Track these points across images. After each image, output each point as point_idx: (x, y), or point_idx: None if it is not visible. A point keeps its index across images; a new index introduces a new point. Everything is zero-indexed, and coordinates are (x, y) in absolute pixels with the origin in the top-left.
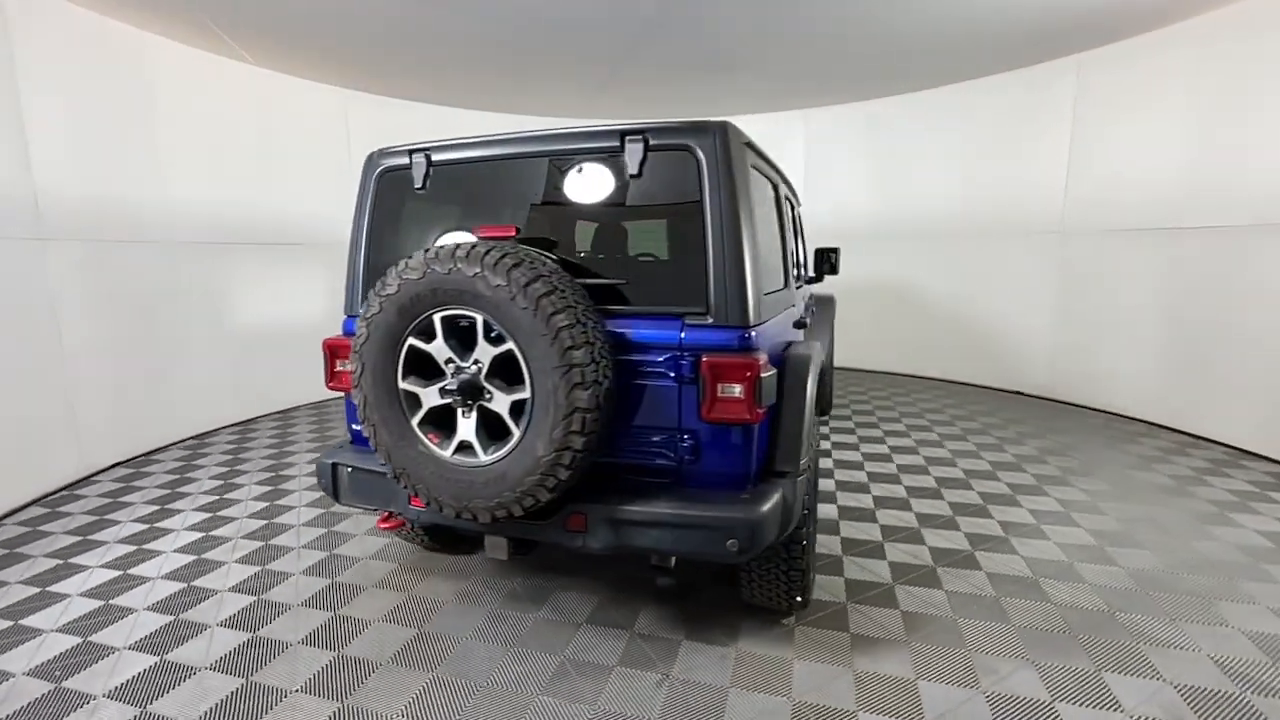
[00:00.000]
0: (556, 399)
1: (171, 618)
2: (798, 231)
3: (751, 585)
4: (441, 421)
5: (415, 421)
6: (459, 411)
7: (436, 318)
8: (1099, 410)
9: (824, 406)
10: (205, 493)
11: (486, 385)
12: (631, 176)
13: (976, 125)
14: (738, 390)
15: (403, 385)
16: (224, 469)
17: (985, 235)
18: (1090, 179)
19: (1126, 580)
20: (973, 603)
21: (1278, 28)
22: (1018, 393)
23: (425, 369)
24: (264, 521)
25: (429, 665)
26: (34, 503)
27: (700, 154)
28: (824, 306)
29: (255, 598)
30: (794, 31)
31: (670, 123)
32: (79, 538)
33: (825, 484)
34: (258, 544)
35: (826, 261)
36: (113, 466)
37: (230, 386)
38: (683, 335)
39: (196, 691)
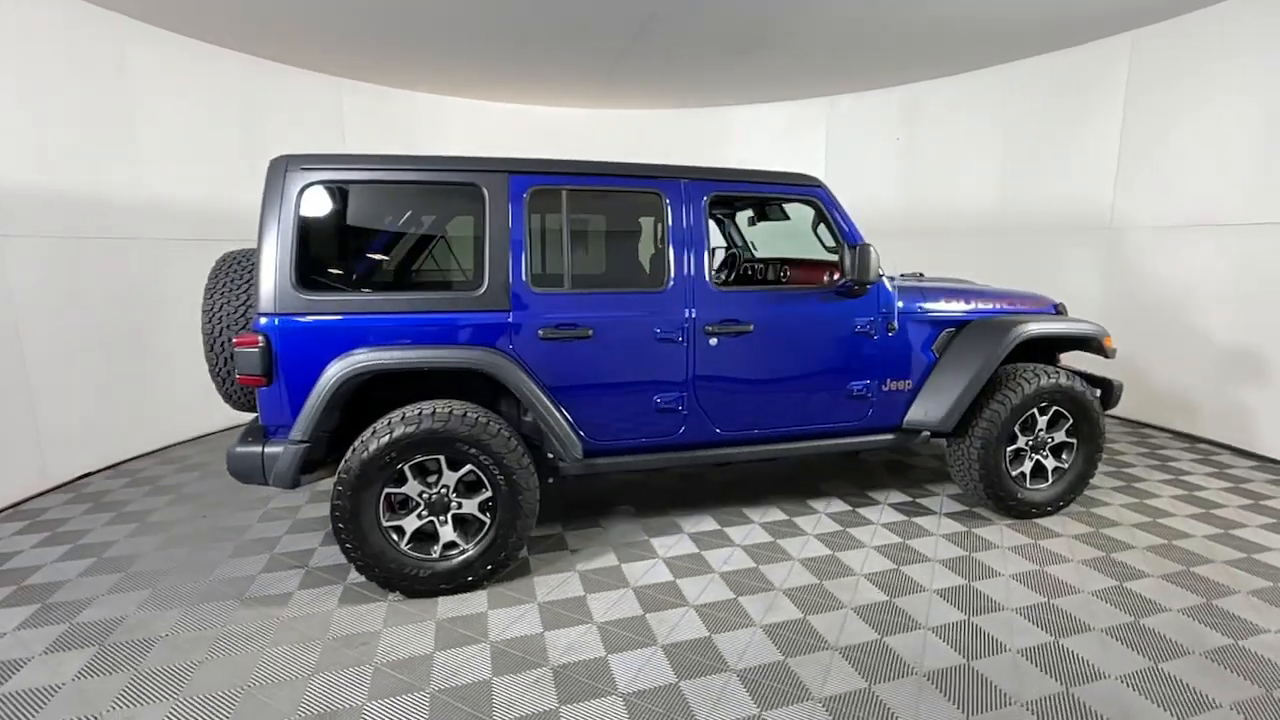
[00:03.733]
0: None
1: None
2: (661, 235)
3: None
4: None
5: None
6: None
7: None
8: (1148, 425)
9: (1007, 502)
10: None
11: None
12: None
13: (1017, 111)
14: None
15: None
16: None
17: (1025, 231)
18: (1145, 169)
19: None
20: None
21: None
22: None
23: None
24: None
25: None
26: None
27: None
28: (978, 335)
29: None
30: (817, 9)
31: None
32: None
33: None
34: None
35: (855, 266)
36: (81, 478)
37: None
38: None
39: None
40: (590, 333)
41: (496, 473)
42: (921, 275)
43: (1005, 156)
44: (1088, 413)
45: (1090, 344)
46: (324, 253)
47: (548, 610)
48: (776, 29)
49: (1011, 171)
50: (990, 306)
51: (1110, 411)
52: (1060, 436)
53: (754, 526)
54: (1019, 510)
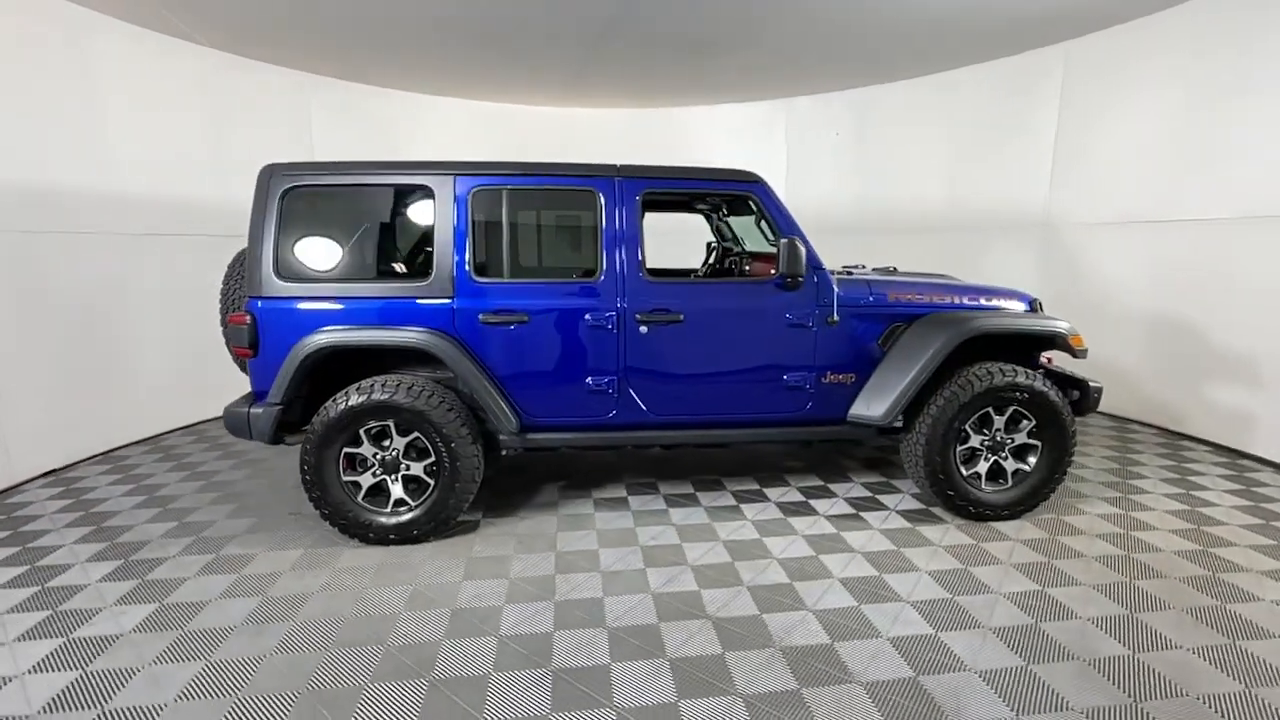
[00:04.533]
0: None
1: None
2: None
3: None
4: None
5: None
6: None
7: None
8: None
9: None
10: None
11: None
12: None
13: (961, 115)
14: None
15: None
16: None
17: (968, 228)
18: (1077, 170)
19: None
20: None
21: (1266, 14)
22: None
23: None
24: None
25: None
26: None
27: None
28: (924, 330)
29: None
30: (774, 14)
31: None
32: None
33: None
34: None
35: (784, 259)
36: (47, 474)
37: (180, 388)
38: None
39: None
40: (526, 318)
41: (438, 440)
42: (895, 269)
43: (951, 157)
44: (1053, 415)
45: (1055, 342)
46: (300, 245)
47: (473, 564)
48: (739, 34)
49: (957, 171)
50: (947, 301)
51: (1146, 419)
52: (1022, 438)
53: (698, 509)
54: (973, 512)
